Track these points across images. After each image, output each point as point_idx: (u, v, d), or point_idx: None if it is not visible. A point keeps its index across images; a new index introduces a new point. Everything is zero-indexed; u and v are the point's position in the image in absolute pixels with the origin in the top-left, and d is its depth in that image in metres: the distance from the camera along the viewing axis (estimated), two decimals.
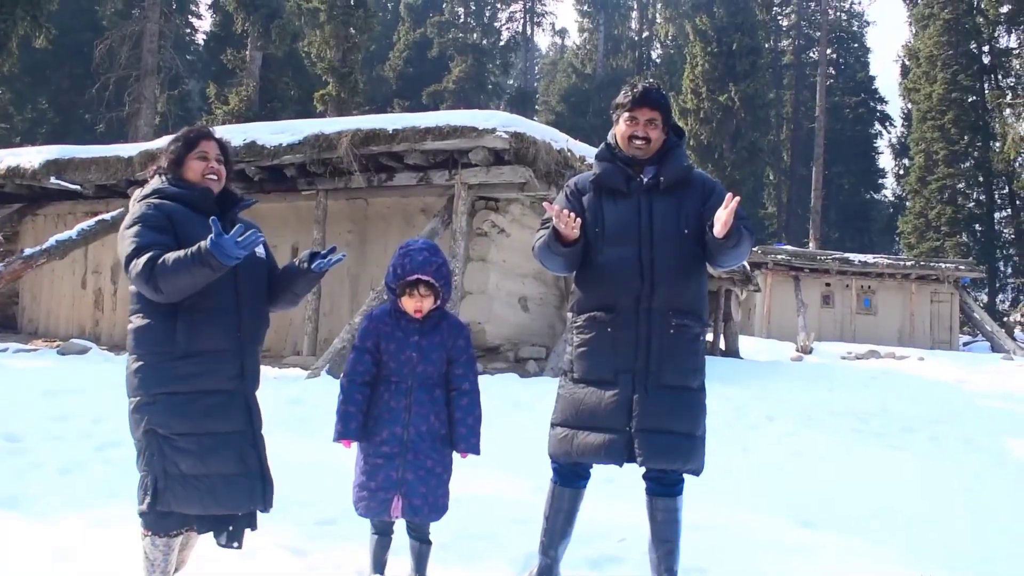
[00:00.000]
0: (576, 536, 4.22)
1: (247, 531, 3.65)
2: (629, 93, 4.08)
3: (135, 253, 3.40)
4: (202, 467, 3.44)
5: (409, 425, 3.89)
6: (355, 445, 3.96)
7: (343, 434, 3.90)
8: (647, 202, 4.00)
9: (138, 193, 3.72)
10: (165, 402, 3.44)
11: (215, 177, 3.72)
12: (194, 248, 3.30)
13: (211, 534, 3.60)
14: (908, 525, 5.85)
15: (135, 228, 3.48)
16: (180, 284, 3.34)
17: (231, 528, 3.56)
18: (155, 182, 3.70)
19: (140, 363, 3.50)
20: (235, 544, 3.60)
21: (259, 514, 3.68)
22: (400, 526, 4.07)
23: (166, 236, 3.47)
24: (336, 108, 32.35)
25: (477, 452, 4.03)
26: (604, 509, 4.94)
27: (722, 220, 3.71)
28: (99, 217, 13.90)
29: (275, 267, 3.87)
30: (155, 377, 3.46)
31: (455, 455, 4.03)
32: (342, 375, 4.02)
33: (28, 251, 13.67)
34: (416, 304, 3.94)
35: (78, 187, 15.00)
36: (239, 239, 3.30)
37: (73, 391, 8.13)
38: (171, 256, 3.34)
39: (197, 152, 3.70)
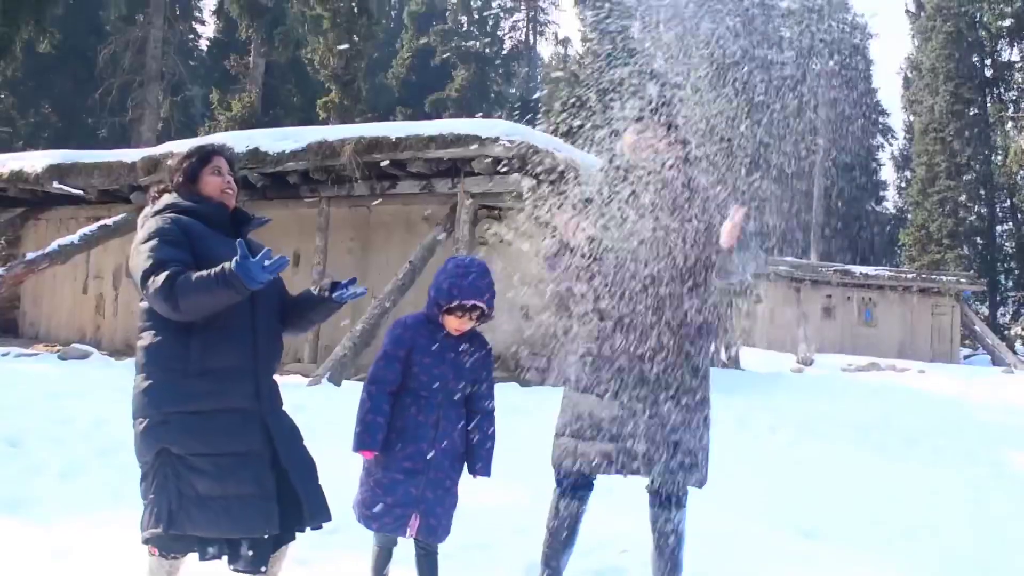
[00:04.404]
0: (578, 547, 4.21)
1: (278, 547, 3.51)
2: (639, 106, 4.08)
3: (153, 269, 3.27)
4: (219, 488, 3.28)
5: (435, 442, 3.82)
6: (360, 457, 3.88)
7: (368, 445, 3.75)
8: (653, 212, 4.00)
9: (149, 209, 3.60)
10: (180, 421, 3.31)
11: (231, 192, 3.65)
12: (218, 269, 3.19)
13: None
14: (909, 535, 5.84)
15: (152, 242, 3.36)
16: (201, 304, 3.24)
17: (251, 553, 3.37)
18: (168, 197, 3.60)
19: (150, 382, 3.36)
20: (258, 569, 3.41)
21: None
22: (403, 540, 4.03)
23: (183, 252, 3.35)
24: (339, 115, 32.35)
25: (489, 475, 4.01)
26: (606, 520, 4.91)
27: (727, 231, 3.72)
28: (101, 222, 13.94)
29: (284, 288, 3.75)
30: (168, 396, 3.33)
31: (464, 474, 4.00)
32: (368, 381, 3.86)
33: (30, 255, 13.71)
34: (461, 324, 3.88)
35: (81, 192, 15.01)
36: (266, 263, 3.20)
37: (74, 395, 8.13)
38: (193, 275, 3.23)
39: (212, 167, 3.64)
